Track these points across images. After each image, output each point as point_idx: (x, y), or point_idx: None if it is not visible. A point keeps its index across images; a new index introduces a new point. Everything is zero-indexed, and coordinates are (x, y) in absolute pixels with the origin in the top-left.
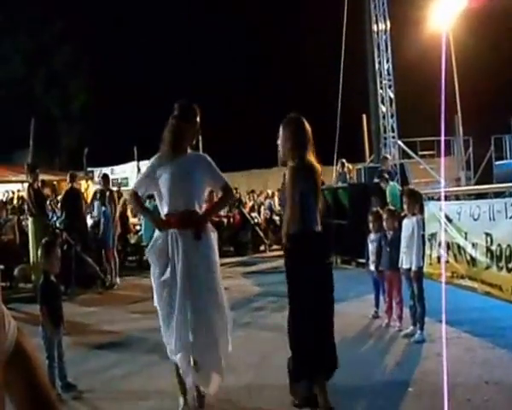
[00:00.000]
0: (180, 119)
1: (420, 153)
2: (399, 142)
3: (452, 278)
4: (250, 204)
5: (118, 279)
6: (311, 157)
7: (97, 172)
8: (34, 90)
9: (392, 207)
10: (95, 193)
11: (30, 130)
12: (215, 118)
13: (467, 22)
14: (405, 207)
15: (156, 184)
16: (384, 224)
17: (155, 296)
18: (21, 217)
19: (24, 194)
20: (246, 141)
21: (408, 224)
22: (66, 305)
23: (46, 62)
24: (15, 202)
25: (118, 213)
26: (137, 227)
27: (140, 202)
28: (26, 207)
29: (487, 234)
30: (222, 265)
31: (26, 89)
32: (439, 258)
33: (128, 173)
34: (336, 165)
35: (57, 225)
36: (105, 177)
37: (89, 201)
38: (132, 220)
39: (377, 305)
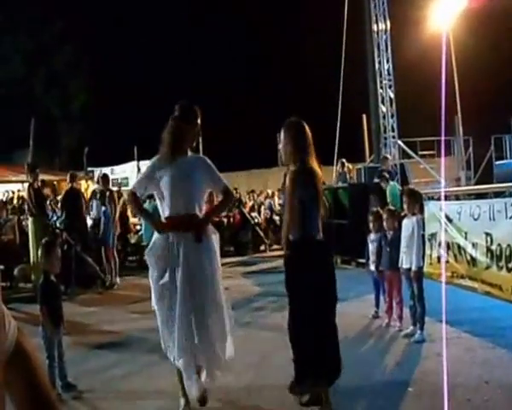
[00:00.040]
0: (180, 120)
1: (420, 153)
2: (399, 142)
3: (452, 277)
4: (250, 204)
5: (118, 279)
6: (313, 161)
7: (97, 172)
8: (34, 90)
9: (392, 207)
10: (93, 193)
11: (30, 130)
12: (215, 118)
13: (467, 22)
14: (405, 206)
15: (156, 185)
16: (384, 224)
17: (153, 298)
18: (21, 217)
19: (24, 194)
20: (246, 141)
21: (408, 224)
22: (66, 305)
23: (46, 62)
24: (15, 201)
25: (118, 214)
26: (137, 227)
27: (138, 204)
28: (26, 207)
29: (487, 234)
30: (222, 265)
31: (26, 89)
32: (439, 258)
33: (128, 173)
34: (336, 165)
35: (57, 225)
36: (104, 177)
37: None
38: (132, 220)
39: (377, 305)
